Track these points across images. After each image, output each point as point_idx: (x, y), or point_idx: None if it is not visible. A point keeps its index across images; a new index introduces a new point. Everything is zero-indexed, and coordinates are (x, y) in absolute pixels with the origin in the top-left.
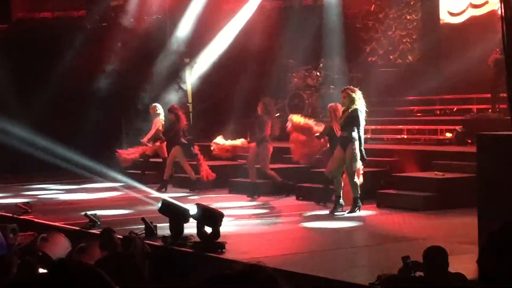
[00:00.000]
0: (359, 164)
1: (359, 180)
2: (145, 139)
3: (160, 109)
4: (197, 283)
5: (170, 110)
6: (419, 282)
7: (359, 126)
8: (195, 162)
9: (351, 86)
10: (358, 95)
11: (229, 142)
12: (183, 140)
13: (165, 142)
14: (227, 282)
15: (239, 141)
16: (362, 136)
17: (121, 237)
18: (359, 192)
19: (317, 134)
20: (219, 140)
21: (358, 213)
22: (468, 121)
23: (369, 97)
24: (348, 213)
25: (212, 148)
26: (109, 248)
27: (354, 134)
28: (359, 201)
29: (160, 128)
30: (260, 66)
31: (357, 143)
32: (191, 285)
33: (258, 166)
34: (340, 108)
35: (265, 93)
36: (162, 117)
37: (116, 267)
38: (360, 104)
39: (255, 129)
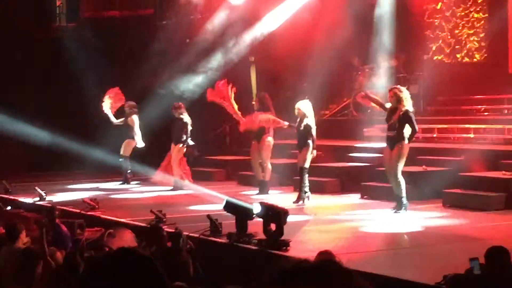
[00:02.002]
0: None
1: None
2: None
3: None
4: (269, 276)
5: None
6: (484, 282)
7: (412, 126)
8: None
9: (399, 86)
10: (405, 95)
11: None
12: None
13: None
14: (300, 276)
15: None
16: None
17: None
18: (404, 191)
19: None
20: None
21: (404, 212)
22: None
23: (436, 96)
24: (395, 212)
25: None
26: (157, 244)
27: (404, 134)
28: (405, 200)
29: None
30: (325, 64)
31: (405, 143)
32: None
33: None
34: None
35: (329, 92)
36: None
37: (164, 262)
38: (408, 103)
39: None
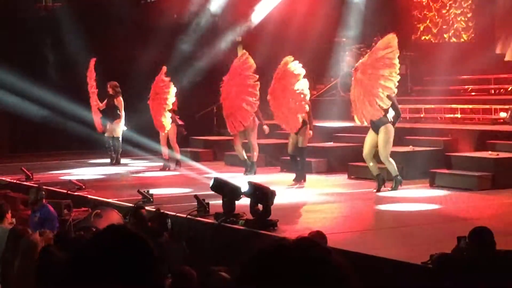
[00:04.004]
0: None
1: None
2: None
3: None
4: (249, 257)
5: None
6: (470, 261)
7: (396, 109)
8: None
9: None
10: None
11: None
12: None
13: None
14: (278, 253)
15: None
16: None
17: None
18: (396, 169)
19: None
20: None
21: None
22: None
23: (423, 76)
24: (391, 190)
25: None
26: (139, 224)
27: (388, 118)
28: (400, 177)
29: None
30: (312, 44)
31: (389, 126)
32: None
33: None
34: None
35: (317, 72)
36: None
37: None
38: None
39: None
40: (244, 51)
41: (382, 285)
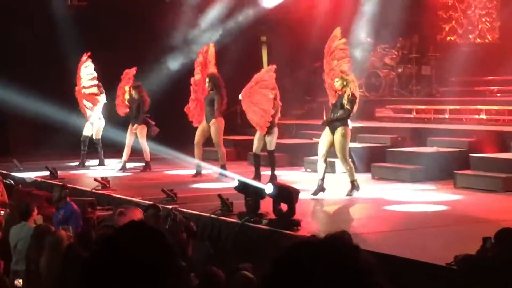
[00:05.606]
0: None
1: None
2: None
3: None
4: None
5: (136, 87)
6: (495, 262)
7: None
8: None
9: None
10: (351, 78)
11: None
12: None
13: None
14: (308, 250)
15: None
16: None
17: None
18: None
19: None
20: None
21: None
22: None
23: (448, 77)
24: (347, 195)
25: None
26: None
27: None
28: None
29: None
30: None
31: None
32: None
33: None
34: None
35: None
36: None
37: None
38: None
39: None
40: (273, 66)
41: (406, 286)
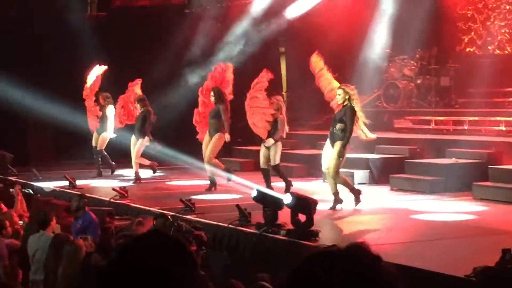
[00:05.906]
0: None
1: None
2: None
3: None
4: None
5: (140, 100)
6: None
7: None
8: None
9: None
10: (354, 92)
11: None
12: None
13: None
14: (328, 259)
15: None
16: None
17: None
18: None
19: None
20: None
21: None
22: None
23: (467, 88)
24: (330, 209)
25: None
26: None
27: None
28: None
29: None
30: (355, 55)
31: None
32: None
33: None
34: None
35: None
36: None
37: None
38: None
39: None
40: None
41: None
